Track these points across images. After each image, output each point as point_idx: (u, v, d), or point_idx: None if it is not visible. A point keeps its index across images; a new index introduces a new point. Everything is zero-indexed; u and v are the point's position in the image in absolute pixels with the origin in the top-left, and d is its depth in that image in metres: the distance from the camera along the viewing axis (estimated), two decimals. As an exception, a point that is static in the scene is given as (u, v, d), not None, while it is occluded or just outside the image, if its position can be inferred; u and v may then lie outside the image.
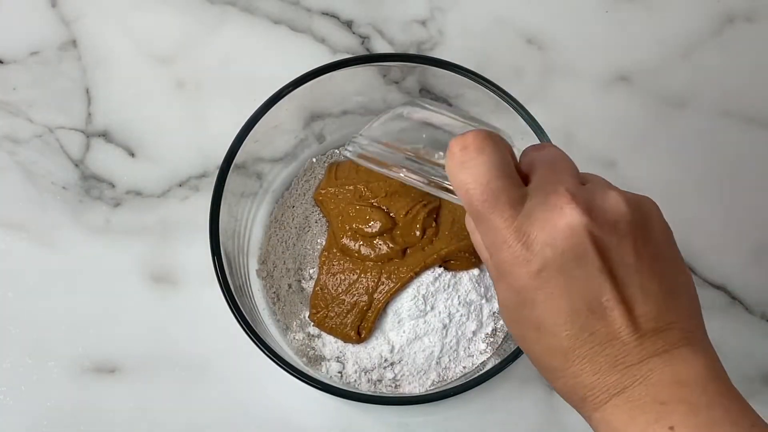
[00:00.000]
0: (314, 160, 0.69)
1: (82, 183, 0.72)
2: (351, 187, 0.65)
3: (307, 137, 0.69)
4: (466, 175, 0.43)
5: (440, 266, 0.63)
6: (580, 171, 0.45)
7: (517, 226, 0.41)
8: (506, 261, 0.42)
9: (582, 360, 0.41)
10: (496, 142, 0.43)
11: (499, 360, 0.59)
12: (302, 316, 0.65)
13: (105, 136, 0.73)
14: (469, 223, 0.47)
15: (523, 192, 0.43)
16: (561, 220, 0.41)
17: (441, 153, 0.48)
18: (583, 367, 0.41)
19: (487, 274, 0.64)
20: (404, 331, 0.63)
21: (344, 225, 0.64)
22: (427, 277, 0.63)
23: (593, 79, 0.75)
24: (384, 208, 0.64)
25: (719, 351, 0.42)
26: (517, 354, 0.58)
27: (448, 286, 0.65)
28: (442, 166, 0.47)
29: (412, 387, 0.63)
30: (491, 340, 0.64)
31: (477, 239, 0.46)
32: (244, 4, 0.76)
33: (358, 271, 0.63)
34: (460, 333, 0.64)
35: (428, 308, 0.63)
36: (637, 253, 0.41)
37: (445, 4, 0.77)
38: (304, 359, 0.64)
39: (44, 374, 0.67)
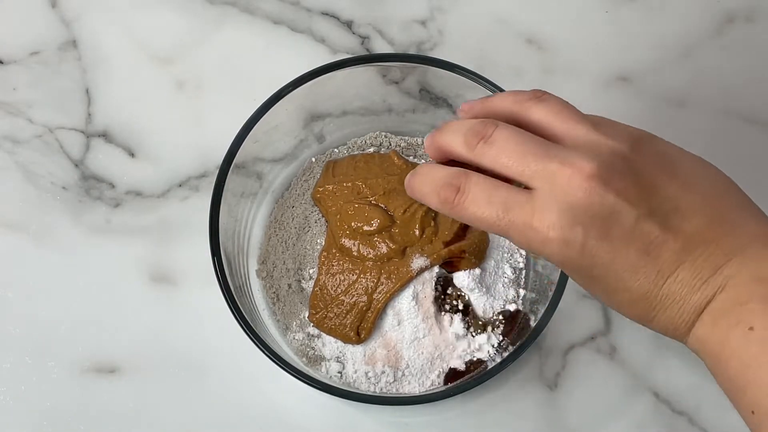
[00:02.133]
0: (314, 160, 0.69)
1: (82, 183, 0.72)
2: (349, 184, 0.65)
3: (307, 137, 0.69)
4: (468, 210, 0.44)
5: (440, 266, 0.63)
6: None
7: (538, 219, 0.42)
8: (553, 254, 0.42)
9: (663, 298, 0.42)
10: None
11: (499, 360, 0.59)
12: (302, 316, 0.65)
13: (105, 136, 0.73)
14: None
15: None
16: (576, 195, 0.41)
17: None
18: (665, 303, 0.42)
19: (488, 273, 0.64)
20: (404, 332, 0.63)
21: (343, 223, 0.64)
22: (427, 276, 0.63)
23: (593, 79, 0.75)
24: (382, 205, 0.64)
25: (719, 351, 0.42)
26: (517, 354, 0.58)
27: (449, 286, 0.65)
28: None
29: (412, 387, 0.63)
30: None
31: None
32: (244, 5, 0.76)
33: (357, 272, 0.63)
34: (460, 333, 0.64)
35: (428, 308, 0.63)
36: (659, 177, 0.42)
37: (445, 4, 0.76)
38: (304, 359, 0.64)
39: (44, 374, 0.67)
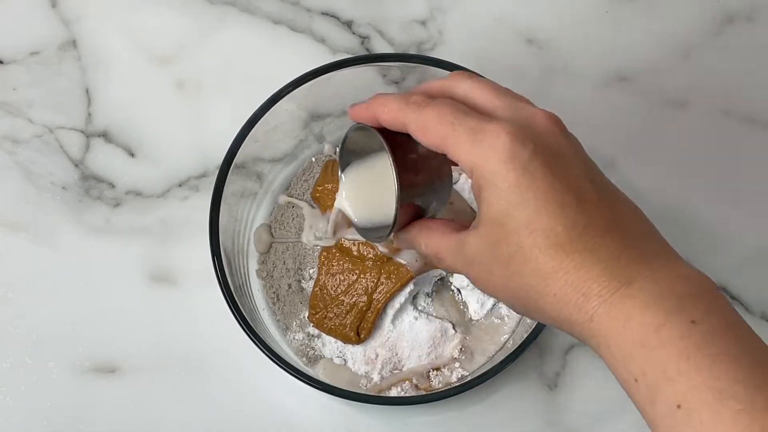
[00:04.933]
0: (314, 160, 0.69)
1: (82, 183, 0.72)
2: (348, 183, 0.65)
3: (307, 137, 0.69)
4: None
5: (440, 266, 0.63)
6: None
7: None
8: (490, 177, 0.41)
9: (583, 252, 0.38)
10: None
11: (499, 360, 0.59)
12: (302, 316, 0.65)
13: (105, 136, 0.73)
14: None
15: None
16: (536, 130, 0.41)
17: None
18: (584, 258, 0.38)
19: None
20: (404, 332, 0.63)
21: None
22: (427, 276, 0.63)
23: (593, 79, 0.75)
24: (382, 205, 0.64)
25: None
26: (517, 354, 0.58)
27: (449, 286, 0.65)
28: None
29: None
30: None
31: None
32: (244, 5, 0.76)
33: (357, 272, 0.63)
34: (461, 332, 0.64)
35: (428, 308, 0.63)
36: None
37: (445, 4, 0.77)
38: (304, 359, 0.64)
39: (44, 374, 0.67)
